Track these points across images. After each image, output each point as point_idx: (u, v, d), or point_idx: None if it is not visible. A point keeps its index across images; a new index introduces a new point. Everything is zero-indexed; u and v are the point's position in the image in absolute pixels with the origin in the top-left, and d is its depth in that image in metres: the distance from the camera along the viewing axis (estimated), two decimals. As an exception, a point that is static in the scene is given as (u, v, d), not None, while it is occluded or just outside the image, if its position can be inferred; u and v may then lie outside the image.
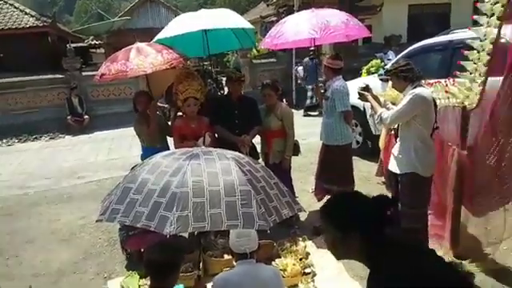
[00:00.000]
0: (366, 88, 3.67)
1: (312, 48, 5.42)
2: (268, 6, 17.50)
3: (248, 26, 4.53)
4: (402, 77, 3.18)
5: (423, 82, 3.25)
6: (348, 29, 4.22)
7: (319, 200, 4.90)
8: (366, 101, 3.67)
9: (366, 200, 1.59)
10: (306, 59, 11.42)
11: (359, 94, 3.72)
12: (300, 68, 12.46)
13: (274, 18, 16.06)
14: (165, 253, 2.35)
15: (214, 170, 2.05)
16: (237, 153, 2.39)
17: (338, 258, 1.70)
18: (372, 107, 3.60)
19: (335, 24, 4.11)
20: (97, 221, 2.11)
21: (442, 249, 3.63)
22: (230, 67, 15.98)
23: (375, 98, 3.58)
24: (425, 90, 3.17)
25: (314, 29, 4.02)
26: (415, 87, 3.12)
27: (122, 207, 2.00)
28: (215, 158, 2.15)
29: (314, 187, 4.95)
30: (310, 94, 11.33)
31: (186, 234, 4.21)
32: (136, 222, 1.92)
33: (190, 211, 1.87)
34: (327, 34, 4.06)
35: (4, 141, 10.86)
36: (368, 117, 6.14)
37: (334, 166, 4.51)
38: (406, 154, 3.23)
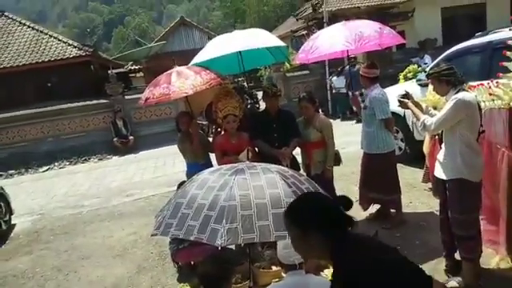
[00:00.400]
0: (406, 95, 3.63)
1: (352, 56, 5.45)
2: (297, 20, 17.65)
3: (280, 43, 4.64)
4: (445, 81, 3.13)
5: (465, 85, 3.20)
6: (382, 38, 4.24)
7: (365, 210, 4.86)
8: (407, 108, 3.62)
9: (326, 199, 1.72)
10: (347, 68, 11.45)
11: (399, 101, 3.68)
12: (335, 78, 12.45)
13: (304, 32, 16.19)
14: (217, 265, 2.45)
15: (259, 184, 2.13)
16: (281, 166, 2.47)
17: (303, 256, 1.78)
18: (414, 114, 3.54)
19: (369, 34, 4.15)
20: (152, 235, 2.24)
21: (497, 254, 3.52)
22: (263, 82, 16.19)
23: (416, 104, 3.53)
24: (468, 94, 3.11)
25: (348, 40, 4.08)
26: (458, 91, 3.07)
27: (174, 221, 2.12)
28: (260, 172, 2.24)
29: (358, 197, 4.93)
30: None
31: (233, 247, 4.33)
32: (188, 235, 2.03)
33: (238, 223, 1.95)
34: (362, 44, 4.11)
35: (56, 164, 11.55)
36: (410, 123, 6.07)
37: (378, 174, 4.50)
38: (452, 159, 3.16)
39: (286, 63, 16.20)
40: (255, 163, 2.47)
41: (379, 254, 1.50)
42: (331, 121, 5.06)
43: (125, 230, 5.75)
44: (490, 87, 3.41)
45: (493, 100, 3.41)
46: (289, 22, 24.03)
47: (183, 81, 4.03)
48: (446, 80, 3.12)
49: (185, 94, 4.04)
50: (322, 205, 1.64)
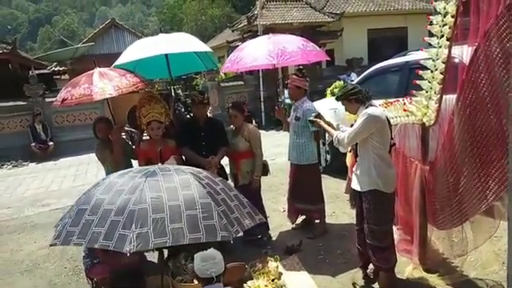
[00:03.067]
0: (318, 115, 3.92)
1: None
2: (233, 31, 17.84)
3: (206, 49, 4.58)
4: (353, 99, 3.32)
5: (374, 101, 3.36)
6: (305, 54, 4.34)
7: (293, 222, 4.92)
8: (319, 127, 3.93)
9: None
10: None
11: (310, 121, 3.99)
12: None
13: (239, 43, 16.34)
14: (128, 277, 2.31)
15: (172, 185, 2.06)
16: (195, 168, 2.41)
17: None
18: (327, 131, 3.78)
19: (291, 50, 4.25)
20: (51, 245, 2.10)
21: (411, 263, 3.71)
22: (198, 90, 16.05)
23: (328, 123, 3.79)
24: (377, 109, 3.32)
25: (270, 55, 4.15)
26: (367, 107, 3.26)
27: (77, 229, 1.98)
28: (173, 173, 2.18)
29: (285, 207, 4.98)
30: None
31: (155, 259, 4.14)
32: (93, 242, 1.91)
33: (149, 227, 1.87)
34: (284, 59, 4.19)
35: (-37, 170, 10.38)
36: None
37: (306, 185, 4.59)
38: (367, 171, 3.30)
39: (222, 73, 16.29)
40: (168, 165, 2.39)
41: None
42: (263, 132, 5.10)
43: (37, 242, 5.27)
44: (404, 103, 3.63)
45: (407, 116, 3.64)
46: (225, 34, 24.19)
47: (107, 82, 3.79)
48: (355, 99, 3.32)
49: (109, 96, 3.78)
50: None
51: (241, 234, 2.33)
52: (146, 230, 1.85)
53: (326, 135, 5.36)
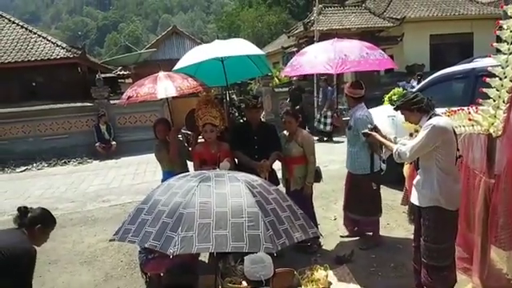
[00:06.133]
0: (374, 128, 3.66)
1: (323, 77, 5.46)
2: (289, 37, 17.87)
3: (259, 52, 4.63)
4: (416, 109, 3.09)
5: (437, 110, 3.15)
6: (367, 63, 4.14)
7: (350, 232, 4.80)
8: (376, 141, 3.65)
9: None
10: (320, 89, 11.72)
11: (365, 134, 3.73)
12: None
13: (294, 49, 16.37)
14: (182, 275, 2.36)
15: (222, 191, 2.07)
16: (250, 175, 2.40)
17: None
18: (385, 146, 3.56)
19: (353, 59, 4.06)
20: (110, 240, 2.18)
21: (470, 283, 3.49)
22: (252, 95, 16.23)
23: (384, 136, 3.57)
24: (442, 118, 3.08)
25: (329, 63, 4.02)
26: (430, 117, 3.03)
27: (133, 227, 2.06)
28: (226, 180, 2.19)
29: (336, 215, 4.88)
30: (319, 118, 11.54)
31: (206, 259, 4.23)
32: (144, 241, 1.97)
33: (195, 232, 1.88)
34: (342, 69, 4.04)
35: (34, 165, 11.27)
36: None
37: (360, 195, 4.46)
38: (429, 186, 3.08)
39: (276, 78, 16.36)
40: (224, 171, 2.42)
41: None
42: (316, 138, 5.04)
43: (97, 236, 5.59)
44: (469, 112, 3.42)
45: (472, 125, 3.43)
46: (281, 40, 24.33)
47: (170, 82, 4.01)
48: (417, 108, 3.08)
49: (170, 95, 4.01)
50: None
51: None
52: (191, 235, 1.87)
53: (383, 148, 5.13)
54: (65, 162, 11.43)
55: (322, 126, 11.46)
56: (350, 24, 14.84)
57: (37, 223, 2.66)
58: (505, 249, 3.29)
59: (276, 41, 27.17)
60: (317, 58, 4.23)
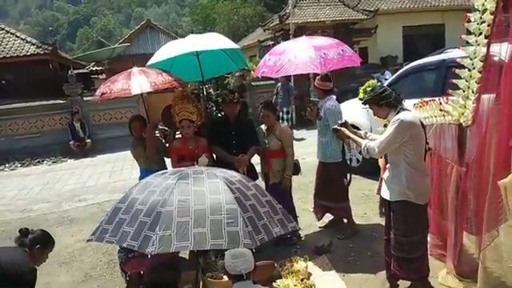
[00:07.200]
0: (344, 124, 3.68)
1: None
2: (265, 30, 17.84)
3: (234, 46, 4.61)
4: (384, 104, 3.09)
5: (408, 101, 3.21)
6: (344, 60, 4.26)
7: (319, 219, 4.93)
8: (345, 137, 3.65)
9: None
10: (279, 84, 11.70)
11: (335, 130, 3.74)
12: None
13: (270, 43, 16.37)
14: (164, 273, 2.36)
15: (201, 189, 2.06)
16: (229, 171, 2.39)
17: None
18: (354, 141, 3.56)
19: (332, 57, 4.17)
20: (87, 240, 2.16)
21: (445, 268, 3.61)
22: (229, 89, 16.15)
23: (354, 132, 3.59)
24: (409, 113, 3.10)
25: (314, 63, 4.05)
26: (398, 112, 3.05)
27: (110, 227, 2.04)
28: (204, 177, 2.17)
29: (313, 206, 4.96)
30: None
31: (186, 255, 4.22)
32: (122, 241, 1.95)
33: (173, 230, 1.87)
34: (326, 68, 4.13)
35: (7, 165, 10.97)
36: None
37: (330, 182, 4.58)
38: (397, 181, 3.11)
39: (252, 72, 16.33)
40: (203, 168, 2.41)
41: None
42: (294, 131, 5.08)
43: (74, 236, 5.49)
44: (440, 103, 3.51)
45: (443, 116, 3.52)
46: (257, 33, 24.23)
47: (144, 78, 3.97)
48: (385, 103, 3.09)
49: (145, 91, 3.98)
50: None
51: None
52: (170, 233, 1.86)
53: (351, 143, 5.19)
54: (38, 162, 11.16)
55: (285, 123, 11.47)
56: (324, 17, 14.92)
57: (37, 244, 2.78)
58: (475, 234, 3.39)
59: (252, 34, 27.05)
60: (297, 58, 4.19)
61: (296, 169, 4.66)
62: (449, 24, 16.95)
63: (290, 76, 10.88)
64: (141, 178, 4.25)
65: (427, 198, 3.25)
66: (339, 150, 4.51)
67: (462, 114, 3.28)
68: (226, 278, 3.56)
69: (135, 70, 4.09)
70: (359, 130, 3.80)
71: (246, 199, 2.09)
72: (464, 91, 3.21)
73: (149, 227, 1.89)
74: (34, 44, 13.79)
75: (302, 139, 9.99)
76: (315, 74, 7.20)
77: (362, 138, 3.47)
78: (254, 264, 2.56)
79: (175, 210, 1.92)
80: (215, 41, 4.45)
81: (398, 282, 3.46)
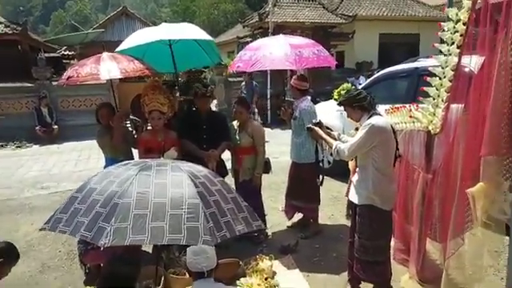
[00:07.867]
0: (319, 123, 3.70)
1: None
2: (244, 27, 17.78)
3: (208, 37, 4.54)
4: (357, 107, 3.12)
5: (379, 107, 3.22)
6: (320, 60, 4.33)
7: (289, 219, 4.92)
8: (319, 137, 3.67)
9: None
10: (243, 83, 11.66)
11: (309, 129, 3.77)
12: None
13: (249, 39, 16.31)
14: (121, 267, 2.29)
15: (163, 182, 1.99)
16: (196, 166, 2.33)
17: None
18: (325, 142, 3.58)
19: (307, 56, 4.23)
20: (40, 229, 2.07)
21: (407, 273, 3.66)
22: (202, 83, 15.99)
23: (327, 132, 3.61)
24: (381, 118, 3.13)
25: (289, 60, 4.12)
26: (371, 116, 3.07)
27: (65, 216, 1.96)
28: (168, 169, 2.11)
29: (284, 205, 4.96)
30: None
31: (150, 250, 4.12)
32: (75, 232, 1.87)
33: (129, 223, 1.81)
34: (301, 65, 4.21)
35: (-33, 147, 10.44)
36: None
37: (303, 183, 4.58)
38: (364, 185, 3.13)
39: (231, 70, 16.23)
40: (168, 160, 2.34)
41: None
42: (268, 130, 5.06)
43: (34, 224, 5.26)
44: (410, 110, 3.56)
45: (413, 122, 3.57)
46: (236, 29, 24.12)
47: (114, 64, 3.83)
48: (359, 106, 3.12)
49: (114, 77, 3.86)
50: None
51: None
52: (125, 226, 1.79)
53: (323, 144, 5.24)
54: (1, 146, 10.72)
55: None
56: (304, 18, 15.00)
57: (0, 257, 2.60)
58: (439, 241, 3.46)
59: (231, 30, 26.91)
60: (272, 54, 4.23)
61: (267, 167, 4.64)
62: (424, 34, 17.40)
63: (253, 75, 10.93)
64: (105, 167, 4.11)
65: (393, 204, 3.29)
66: (313, 151, 4.53)
67: (431, 121, 3.33)
68: (188, 274, 3.51)
69: (105, 55, 3.95)
70: (332, 131, 3.82)
71: (210, 194, 2.03)
72: (434, 99, 3.26)
73: (104, 218, 1.81)
74: (1, 23, 13.21)
75: (276, 138, 10.01)
76: (292, 74, 7.25)
77: (335, 139, 3.49)
78: (216, 261, 2.51)
79: (133, 202, 1.85)
80: (189, 31, 4.37)
81: (360, 286, 3.50)
